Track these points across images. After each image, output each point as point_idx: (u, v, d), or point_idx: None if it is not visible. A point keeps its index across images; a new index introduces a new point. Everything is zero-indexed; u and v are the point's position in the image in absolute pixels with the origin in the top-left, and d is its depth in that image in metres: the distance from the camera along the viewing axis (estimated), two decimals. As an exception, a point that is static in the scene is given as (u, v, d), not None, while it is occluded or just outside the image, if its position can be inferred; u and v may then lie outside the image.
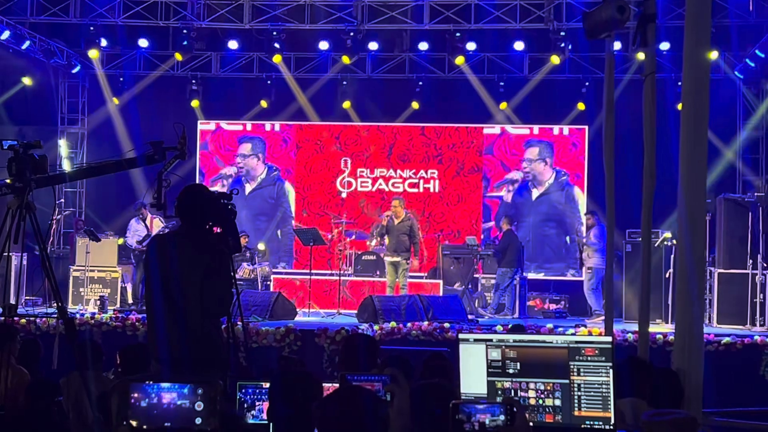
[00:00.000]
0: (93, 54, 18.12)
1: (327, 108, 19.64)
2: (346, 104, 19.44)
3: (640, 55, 9.85)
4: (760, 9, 16.13)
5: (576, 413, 4.41)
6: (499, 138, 19.59)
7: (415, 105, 19.38)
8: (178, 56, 18.52)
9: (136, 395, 4.61)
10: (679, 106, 16.02)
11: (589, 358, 4.39)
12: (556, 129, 19.41)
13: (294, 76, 19.61)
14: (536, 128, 19.47)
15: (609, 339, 4.45)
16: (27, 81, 18.50)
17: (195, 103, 19.55)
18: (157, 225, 15.91)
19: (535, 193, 19.40)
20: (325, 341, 12.76)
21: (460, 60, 18.22)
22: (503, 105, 19.12)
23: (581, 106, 18.78)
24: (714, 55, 15.82)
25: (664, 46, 17.01)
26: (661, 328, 13.75)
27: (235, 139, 20.20)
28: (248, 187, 19.88)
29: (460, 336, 4.60)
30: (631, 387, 5.34)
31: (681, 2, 8.24)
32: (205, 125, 20.18)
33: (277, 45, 18.05)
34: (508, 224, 16.93)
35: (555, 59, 17.66)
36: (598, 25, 7.83)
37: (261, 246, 18.06)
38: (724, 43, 17.10)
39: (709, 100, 6.35)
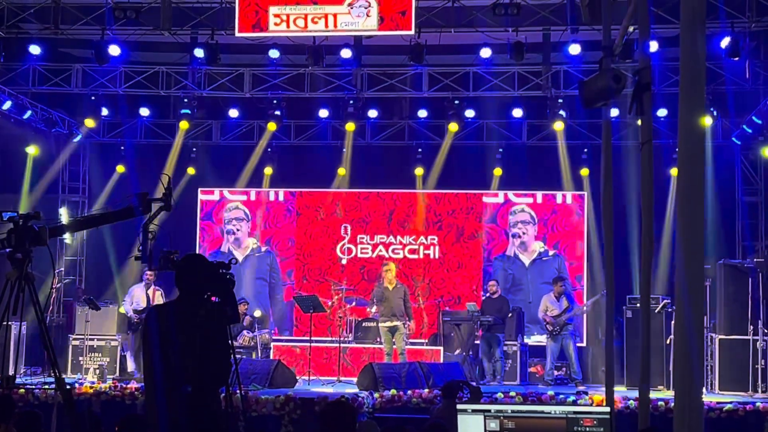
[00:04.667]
0: (89, 123, 18.20)
1: (327, 175, 19.71)
2: (341, 171, 19.53)
3: (638, 122, 9.89)
4: (756, 76, 16.28)
5: (575, 485, 4.39)
6: (503, 207, 19.62)
7: (419, 172, 19.45)
8: (184, 125, 18.56)
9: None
10: (673, 171, 16.18)
11: (587, 429, 4.37)
12: (559, 196, 19.41)
13: (294, 143, 19.76)
14: (539, 195, 19.50)
15: (607, 409, 4.45)
16: (33, 151, 18.53)
17: (191, 170, 19.61)
18: (158, 299, 15.83)
19: (526, 259, 19.41)
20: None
21: (453, 127, 18.36)
22: (497, 171, 19.19)
23: (585, 172, 18.79)
24: (709, 121, 15.90)
25: (662, 112, 17.12)
26: (663, 394, 13.68)
27: (224, 207, 20.24)
28: (239, 255, 19.78)
29: (458, 407, 4.59)
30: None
31: (677, 70, 8.32)
32: (208, 195, 20.25)
33: (278, 113, 18.18)
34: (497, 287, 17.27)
35: (558, 126, 17.70)
36: (594, 94, 7.89)
37: (257, 313, 17.96)
38: (722, 109, 17.22)
39: (704, 166, 6.34)
